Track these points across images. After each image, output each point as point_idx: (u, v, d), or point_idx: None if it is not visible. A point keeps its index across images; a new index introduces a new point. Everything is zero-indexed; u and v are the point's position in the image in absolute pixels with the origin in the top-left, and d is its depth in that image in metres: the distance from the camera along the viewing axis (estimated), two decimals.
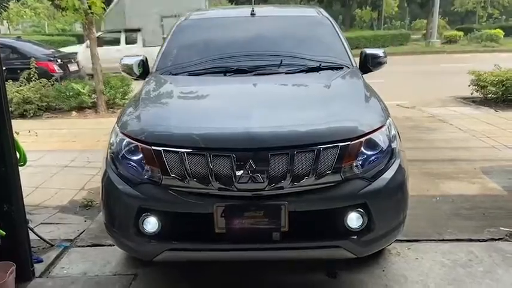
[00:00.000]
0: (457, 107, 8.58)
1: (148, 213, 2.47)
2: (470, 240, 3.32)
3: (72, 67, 11.55)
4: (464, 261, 3.04)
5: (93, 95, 8.99)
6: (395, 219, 2.55)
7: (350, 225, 2.42)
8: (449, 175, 4.69)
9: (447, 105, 8.76)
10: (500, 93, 8.61)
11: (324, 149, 2.37)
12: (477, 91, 9.13)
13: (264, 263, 2.96)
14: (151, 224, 2.48)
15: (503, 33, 25.92)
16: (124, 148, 2.60)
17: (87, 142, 6.61)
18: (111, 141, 2.76)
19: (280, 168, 2.35)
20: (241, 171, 2.34)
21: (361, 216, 2.41)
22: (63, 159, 5.68)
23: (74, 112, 8.93)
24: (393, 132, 2.67)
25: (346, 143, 2.41)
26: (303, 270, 2.96)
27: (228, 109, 2.77)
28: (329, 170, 2.37)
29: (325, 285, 2.86)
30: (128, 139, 2.60)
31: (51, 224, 3.85)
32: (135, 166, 2.54)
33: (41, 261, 3.19)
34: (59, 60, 11.00)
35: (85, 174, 5.14)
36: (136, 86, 9.41)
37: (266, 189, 2.35)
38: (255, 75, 3.40)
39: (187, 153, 2.39)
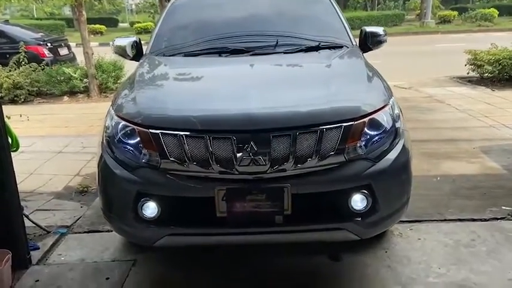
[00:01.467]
0: (454, 87, 8.53)
1: (147, 198, 2.40)
2: (473, 220, 3.30)
3: (63, 51, 11.32)
4: (467, 241, 3.01)
5: (85, 80, 8.83)
6: (400, 200, 2.50)
7: (354, 207, 2.36)
8: (448, 155, 4.66)
9: (444, 85, 8.71)
10: (497, 72, 8.56)
11: (327, 129, 2.30)
12: (473, 70, 9.07)
13: (264, 247, 2.92)
14: (150, 209, 2.41)
15: (498, 13, 25.77)
16: (120, 131, 2.52)
17: (80, 127, 6.51)
18: (106, 125, 2.67)
19: (282, 150, 2.28)
20: (242, 154, 2.27)
21: (366, 197, 2.36)
22: (56, 145, 5.59)
23: (65, 97, 8.79)
24: (396, 111, 2.61)
25: (350, 123, 2.34)
26: (305, 254, 2.92)
27: (226, 90, 2.69)
28: (332, 151, 2.30)
29: (328, 268, 2.83)
30: (123, 122, 2.52)
31: (46, 210, 3.78)
32: (132, 150, 2.46)
33: (38, 248, 3.13)
34: (48, 44, 10.76)
35: (80, 160, 5.06)
36: (130, 69, 9.28)
37: (268, 171, 2.29)
38: (252, 55, 3.30)
39: (186, 136, 2.32)
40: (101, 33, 25.91)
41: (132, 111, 2.55)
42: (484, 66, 8.69)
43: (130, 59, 3.80)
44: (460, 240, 3.02)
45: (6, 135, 2.80)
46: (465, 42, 14.61)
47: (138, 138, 2.44)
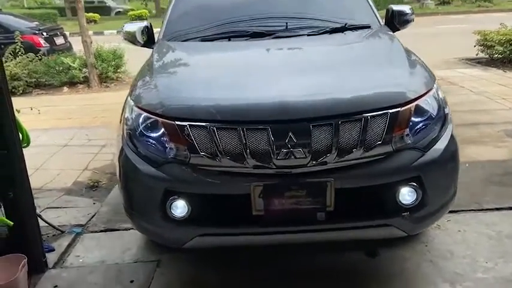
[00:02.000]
0: (464, 69, 8.32)
1: (176, 196, 2.20)
2: (511, 208, 3.13)
3: (59, 40, 10.99)
4: (509, 232, 2.85)
5: (84, 69, 8.56)
6: (449, 192, 2.32)
7: (402, 201, 2.18)
8: (473, 140, 4.47)
9: (453, 67, 8.49)
10: (508, 52, 8.35)
11: (371, 117, 2.11)
12: (482, 51, 8.87)
13: (297, 244, 2.73)
14: (179, 208, 2.22)
15: None
16: (141, 124, 2.32)
17: (83, 119, 6.27)
18: (126, 117, 2.47)
19: (324, 141, 2.08)
20: (280, 146, 2.08)
21: (415, 190, 2.17)
22: (61, 138, 5.36)
23: (65, 88, 8.52)
24: (441, 95, 2.41)
25: (396, 110, 2.15)
26: (339, 250, 2.74)
27: (257, 77, 2.47)
28: (378, 141, 2.11)
29: (365, 265, 2.66)
30: (145, 114, 2.31)
31: (58, 208, 3.58)
32: (156, 144, 2.26)
33: (53, 250, 2.94)
34: (44, 33, 10.44)
35: (87, 153, 4.85)
36: (130, 58, 8.97)
37: (309, 165, 2.10)
38: (274, 38, 3.09)
39: (217, 127, 2.12)
40: (95, 21, 25.39)
41: (154, 101, 2.35)
42: (494, 46, 8.48)
43: (142, 46, 3.57)
44: (502, 231, 2.85)
45: (17, 130, 2.59)
46: (466, 23, 14.41)
47: (163, 131, 2.24)
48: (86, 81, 8.50)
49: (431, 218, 2.31)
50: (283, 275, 2.60)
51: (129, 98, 2.55)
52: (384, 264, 2.64)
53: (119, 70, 8.72)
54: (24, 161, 2.62)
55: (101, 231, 3.20)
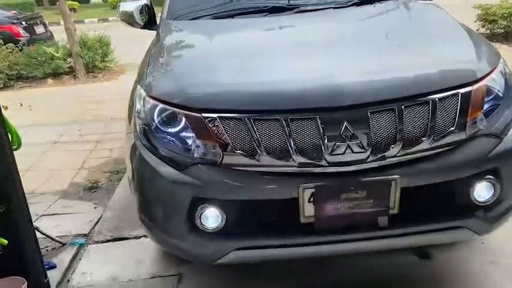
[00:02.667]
0: None
1: (207, 204, 1.82)
2: None
3: (39, 29, 10.37)
4: None
5: (69, 59, 8.04)
6: None
7: (477, 199, 1.83)
8: None
9: None
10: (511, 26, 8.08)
11: (440, 99, 1.75)
12: (483, 26, 8.58)
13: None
14: (211, 217, 1.84)
15: None
16: (157, 117, 1.92)
17: (72, 113, 5.81)
18: (137, 109, 2.07)
19: (386, 130, 1.72)
20: (333, 139, 1.71)
21: (492, 185, 1.82)
22: (50, 134, 4.91)
23: (49, 80, 7.99)
24: (508, 71, 2.06)
25: (468, 89, 1.79)
26: (388, 252, 2.39)
27: (295, 56, 2.08)
28: (451, 127, 1.76)
29: (419, 269, 2.32)
30: (161, 105, 1.91)
31: (54, 215, 3.17)
32: (178, 141, 1.87)
33: (54, 266, 2.54)
34: (23, 23, 9.82)
35: (80, 150, 4.43)
36: (117, 46, 8.48)
37: (368, 160, 1.73)
38: (297, 13, 2.69)
39: (255, 119, 1.74)
40: (74, 10, 24.45)
41: (172, 90, 1.95)
42: (497, 21, 8.19)
43: (141, 28, 3.14)
44: None
45: (6, 130, 2.16)
46: None
47: (185, 125, 1.85)
48: (71, 71, 7.98)
49: (505, 216, 1.97)
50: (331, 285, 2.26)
51: (138, 87, 2.15)
52: (441, 268, 2.32)
53: (106, 59, 8.20)
54: (17, 168, 2.20)
55: (108, 240, 2.80)
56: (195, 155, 1.83)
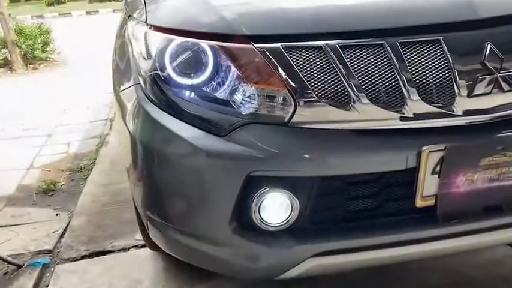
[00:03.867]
0: None
1: (269, 187, 1.14)
2: None
3: None
4: None
5: (3, 50, 6.94)
6: None
7: None
8: None
9: None
10: None
11: None
12: None
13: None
14: (276, 208, 1.16)
15: None
16: (174, 59, 1.21)
17: (11, 107, 4.82)
18: (136, 53, 1.35)
19: None
20: (470, 73, 1.09)
21: None
22: None
23: None
24: None
25: None
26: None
27: None
28: None
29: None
30: (180, 39, 1.20)
31: (2, 227, 2.33)
32: (211, 92, 1.18)
33: None
34: None
35: (27, 147, 3.57)
36: (59, 35, 7.49)
37: None
38: None
39: (344, 46, 1.08)
40: None
41: (196, 13, 1.26)
42: None
43: None
44: None
45: None
46: None
47: (223, 65, 1.16)
48: (7, 63, 6.87)
49: None
50: None
51: (132, 22, 1.43)
52: None
53: (47, 48, 7.17)
54: None
55: (83, 257, 2.01)
56: (246, 110, 1.15)
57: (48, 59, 7.22)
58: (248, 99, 1.15)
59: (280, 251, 1.19)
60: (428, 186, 1.15)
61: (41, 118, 4.23)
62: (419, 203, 1.17)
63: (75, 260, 2.00)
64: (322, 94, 1.10)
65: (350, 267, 1.26)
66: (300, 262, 1.19)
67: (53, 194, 2.77)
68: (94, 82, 5.23)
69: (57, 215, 2.47)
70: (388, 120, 1.12)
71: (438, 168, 1.13)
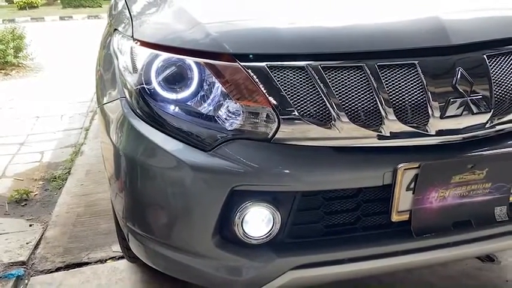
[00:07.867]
0: None
1: (251, 202, 1.18)
2: None
3: None
4: None
5: None
6: None
7: None
8: None
9: None
10: None
11: None
12: None
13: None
14: (260, 221, 1.20)
15: None
16: (159, 74, 1.24)
17: None
18: (122, 67, 1.37)
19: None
20: (443, 95, 1.16)
21: None
22: None
23: None
24: None
25: None
26: None
27: None
28: None
29: (486, 274, 1.84)
30: (166, 54, 1.23)
31: None
32: (195, 107, 1.21)
33: None
34: None
35: None
36: (33, 40, 7.34)
37: (488, 125, 1.21)
38: None
39: (326, 67, 1.14)
40: None
41: (184, 30, 1.29)
42: None
43: None
44: None
45: None
46: None
47: (208, 82, 1.20)
48: None
49: None
50: None
51: (118, 36, 1.45)
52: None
53: (20, 54, 7.01)
54: None
55: (58, 269, 1.99)
56: (231, 125, 1.18)
57: (21, 64, 7.05)
58: (233, 116, 1.19)
59: (262, 263, 1.22)
60: (403, 201, 1.21)
61: (13, 126, 4.14)
62: (395, 217, 1.23)
63: (51, 272, 1.97)
64: (305, 112, 1.15)
65: (329, 280, 1.30)
66: (280, 274, 1.23)
67: (26, 204, 2.71)
68: (68, 90, 5.16)
69: (30, 225, 2.42)
70: (366, 138, 1.17)
71: (412, 185, 1.19)
